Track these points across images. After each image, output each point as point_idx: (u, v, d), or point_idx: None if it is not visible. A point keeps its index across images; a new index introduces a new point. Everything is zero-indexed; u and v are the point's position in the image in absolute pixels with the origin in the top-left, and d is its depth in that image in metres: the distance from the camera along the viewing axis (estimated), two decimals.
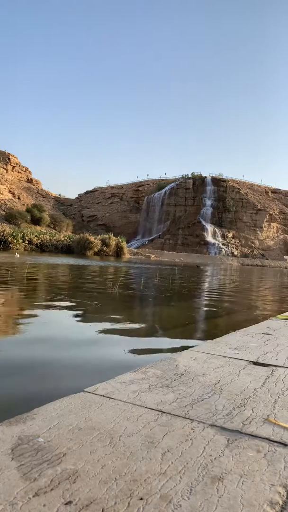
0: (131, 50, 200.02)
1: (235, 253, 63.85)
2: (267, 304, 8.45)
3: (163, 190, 73.82)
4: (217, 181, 73.40)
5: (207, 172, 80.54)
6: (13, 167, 69.90)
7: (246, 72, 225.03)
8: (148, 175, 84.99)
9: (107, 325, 4.50)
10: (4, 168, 66.68)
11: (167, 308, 6.65)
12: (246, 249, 66.11)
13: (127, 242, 47.39)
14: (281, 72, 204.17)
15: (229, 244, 65.39)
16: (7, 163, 67.75)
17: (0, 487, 0.94)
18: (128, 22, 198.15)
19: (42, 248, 34.25)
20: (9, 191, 66.34)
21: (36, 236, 35.36)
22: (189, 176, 74.60)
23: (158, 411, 1.47)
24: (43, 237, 35.94)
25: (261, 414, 1.49)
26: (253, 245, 67.59)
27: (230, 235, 67.41)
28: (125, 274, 15.40)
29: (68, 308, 5.53)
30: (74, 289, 8.49)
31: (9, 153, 68.64)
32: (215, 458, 1.14)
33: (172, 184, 74.26)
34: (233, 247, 65.13)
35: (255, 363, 2.27)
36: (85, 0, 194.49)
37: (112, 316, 5.27)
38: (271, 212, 71.42)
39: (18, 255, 22.74)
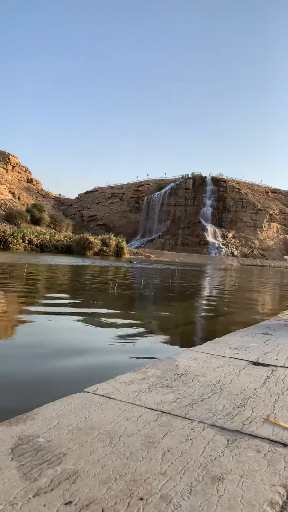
0: (131, 50, 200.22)
1: (235, 253, 63.84)
2: (267, 304, 8.45)
3: (163, 190, 73.80)
4: (217, 181, 73.38)
5: (207, 172, 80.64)
6: (13, 167, 69.90)
7: (246, 72, 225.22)
8: (148, 175, 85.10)
9: (107, 325, 4.50)
10: (4, 168, 66.68)
11: (167, 308, 6.65)
12: (246, 249, 66.10)
13: (127, 242, 47.37)
14: (281, 72, 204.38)
15: (229, 244, 65.37)
16: (7, 163, 67.75)
17: (0, 487, 0.94)
18: (129, 21, 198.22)
19: (42, 248, 34.24)
20: (9, 191, 66.37)
21: (36, 236, 35.34)
22: (189, 176, 74.58)
23: (158, 411, 1.47)
24: (43, 237, 35.93)
25: (261, 414, 1.49)
26: (253, 245, 67.57)
27: (230, 235, 67.38)
28: (125, 274, 15.40)
29: (67, 308, 5.53)
30: (73, 289, 8.49)
31: (9, 153, 68.62)
32: (215, 458, 1.14)
33: (172, 184, 74.25)
34: (233, 247, 65.11)
35: (255, 363, 2.27)
36: None
37: (111, 316, 5.27)
38: (271, 212, 71.41)
39: None
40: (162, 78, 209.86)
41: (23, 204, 64.64)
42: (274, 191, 78.72)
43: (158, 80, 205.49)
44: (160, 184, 77.31)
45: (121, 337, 3.89)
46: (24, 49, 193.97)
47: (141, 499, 0.93)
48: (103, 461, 1.09)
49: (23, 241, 33.22)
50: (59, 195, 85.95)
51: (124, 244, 38.94)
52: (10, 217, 55.35)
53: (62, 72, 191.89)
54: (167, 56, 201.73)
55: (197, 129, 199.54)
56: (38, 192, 75.66)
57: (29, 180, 75.29)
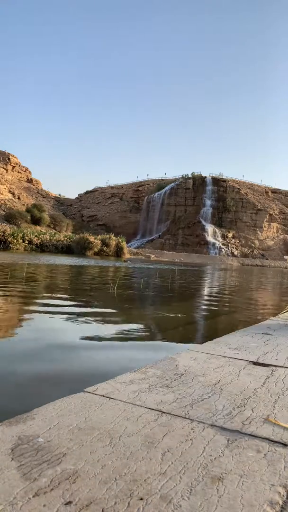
0: (131, 50, 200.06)
1: (235, 253, 63.84)
2: (267, 304, 8.45)
3: (163, 190, 73.79)
4: (217, 181, 73.37)
5: (207, 172, 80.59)
6: (13, 167, 69.91)
7: (246, 72, 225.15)
8: (148, 175, 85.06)
9: (107, 325, 4.51)
10: (4, 168, 66.69)
11: (167, 308, 6.65)
12: (246, 249, 66.09)
13: (127, 242, 47.36)
14: (281, 72, 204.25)
15: (229, 244, 65.37)
16: (7, 163, 67.76)
17: (0, 487, 0.94)
18: (128, 21, 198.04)
19: (42, 248, 34.25)
20: (9, 191, 66.36)
21: (36, 236, 35.35)
22: (189, 176, 74.58)
23: (158, 411, 1.47)
24: (43, 237, 35.94)
25: (261, 414, 1.49)
26: (253, 245, 67.57)
27: (230, 235, 67.38)
28: (125, 274, 15.40)
29: (67, 307, 5.53)
30: (74, 289, 8.49)
31: (9, 153, 68.64)
32: (215, 458, 1.14)
33: (172, 184, 74.24)
34: (233, 247, 65.11)
35: (255, 363, 2.27)
36: None
37: (112, 316, 5.27)
38: (271, 212, 71.41)
39: None
40: (162, 78, 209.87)
41: (23, 204, 64.62)
42: (274, 191, 78.71)
43: (158, 80, 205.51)
44: (160, 184, 77.29)
45: (121, 337, 3.89)
46: (24, 49, 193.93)
47: (141, 499, 0.93)
48: (103, 461, 1.09)
49: (23, 241, 33.22)
50: (59, 195, 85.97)
51: (124, 244, 38.94)
52: (10, 217, 55.37)
53: (62, 72, 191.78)
54: (167, 56, 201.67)
55: (197, 129, 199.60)
56: (38, 192, 75.65)
57: (29, 180, 75.28)
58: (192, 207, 70.98)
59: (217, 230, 67.58)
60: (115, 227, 70.40)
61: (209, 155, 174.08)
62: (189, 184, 72.64)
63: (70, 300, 6.36)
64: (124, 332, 4.19)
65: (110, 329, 4.28)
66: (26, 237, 33.83)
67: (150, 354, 3.27)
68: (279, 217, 72.66)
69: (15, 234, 32.96)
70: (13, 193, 66.70)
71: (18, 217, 56.00)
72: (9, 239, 31.88)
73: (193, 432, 1.31)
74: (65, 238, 37.78)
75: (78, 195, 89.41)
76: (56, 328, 4.17)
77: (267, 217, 70.54)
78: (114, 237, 38.31)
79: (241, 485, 1.01)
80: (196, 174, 74.65)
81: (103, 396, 1.60)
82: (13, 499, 0.90)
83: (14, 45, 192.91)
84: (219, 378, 1.94)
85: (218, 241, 65.68)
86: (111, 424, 1.33)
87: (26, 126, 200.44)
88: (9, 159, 68.29)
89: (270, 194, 76.86)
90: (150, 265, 25.10)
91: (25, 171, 74.44)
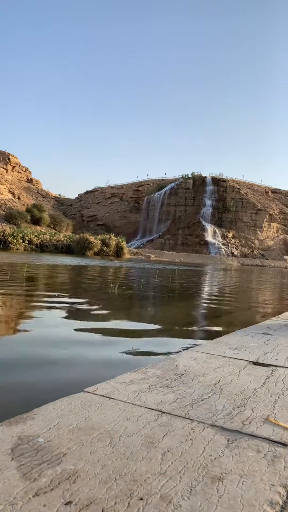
0: (131, 50, 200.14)
1: (235, 253, 63.82)
2: (267, 304, 8.45)
3: (163, 190, 73.79)
4: (217, 181, 73.34)
5: (207, 172, 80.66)
6: (13, 167, 69.94)
7: (246, 72, 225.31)
8: (148, 175, 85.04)
9: (107, 325, 4.50)
10: (4, 168, 66.70)
11: (167, 308, 6.65)
12: (246, 249, 66.08)
13: (127, 242, 47.35)
14: (281, 72, 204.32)
15: (229, 244, 65.36)
16: (7, 163, 67.78)
17: (0, 487, 0.94)
18: (129, 21, 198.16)
19: (42, 248, 34.25)
20: (9, 191, 66.37)
21: (36, 236, 35.33)
22: (189, 176, 74.55)
23: (158, 411, 1.47)
24: (43, 237, 35.93)
25: (261, 414, 1.49)
26: (253, 245, 67.55)
27: (230, 235, 67.36)
28: (125, 274, 15.40)
29: (67, 307, 5.53)
30: (74, 289, 8.49)
31: (9, 153, 68.67)
32: (215, 458, 1.14)
33: (172, 184, 74.24)
34: (233, 247, 65.09)
35: (255, 363, 2.27)
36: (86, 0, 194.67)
37: (112, 316, 5.27)
38: (271, 212, 71.39)
39: None
40: (162, 78, 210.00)
41: (23, 204, 64.64)
42: (274, 191, 78.70)
43: (158, 80, 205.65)
44: (160, 184, 77.29)
45: (121, 337, 3.89)
46: (24, 49, 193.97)
47: (141, 499, 0.93)
48: (103, 461, 1.09)
49: (23, 241, 33.21)
50: (59, 195, 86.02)
51: (124, 244, 38.92)
52: (10, 217, 55.39)
53: (62, 72, 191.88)
54: (167, 56, 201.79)
55: (197, 129, 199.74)
56: (38, 192, 75.66)
57: (29, 180, 75.30)
58: (192, 207, 70.95)
59: (217, 230, 67.57)
60: (115, 227, 70.43)
61: (209, 155, 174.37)
62: (189, 184, 72.62)
63: (70, 300, 6.36)
64: (124, 332, 4.19)
65: (109, 329, 4.28)
66: (26, 237, 33.82)
67: (150, 354, 3.27)
68: (279, 217, 72.63)
69: (15, 234, 32.95)
70: (13, 193, 66.70)
71: (18, 217, 56.01)
72: (9, 239, 31.87)
73: (193, 432, 1.31)
74: (65, 238, 37.77)
75: (78, 195, 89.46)
76: (55, 327, 4.17)
77: (267, 217, 70.52)
78: (114, 237, 38.29)
79: (241, 485, 1.01)
80: (196, 174, 74.61)
81: (103, 396, 1.60)
82: (13, 499, 0.90)
83: (14, 45, 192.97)
84: (219, 378, 1.94)
85: (218, 241, 65.66)
86: (111, 424, 1.33)
87: (26, 126, 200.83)
88: (9, 159, 68.32)
89: (270, 194, 76.84)
90: (150, 265, 25.10)
91: (25, 171, 74.46)
